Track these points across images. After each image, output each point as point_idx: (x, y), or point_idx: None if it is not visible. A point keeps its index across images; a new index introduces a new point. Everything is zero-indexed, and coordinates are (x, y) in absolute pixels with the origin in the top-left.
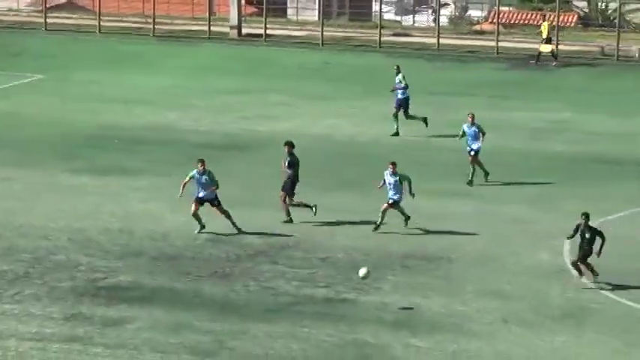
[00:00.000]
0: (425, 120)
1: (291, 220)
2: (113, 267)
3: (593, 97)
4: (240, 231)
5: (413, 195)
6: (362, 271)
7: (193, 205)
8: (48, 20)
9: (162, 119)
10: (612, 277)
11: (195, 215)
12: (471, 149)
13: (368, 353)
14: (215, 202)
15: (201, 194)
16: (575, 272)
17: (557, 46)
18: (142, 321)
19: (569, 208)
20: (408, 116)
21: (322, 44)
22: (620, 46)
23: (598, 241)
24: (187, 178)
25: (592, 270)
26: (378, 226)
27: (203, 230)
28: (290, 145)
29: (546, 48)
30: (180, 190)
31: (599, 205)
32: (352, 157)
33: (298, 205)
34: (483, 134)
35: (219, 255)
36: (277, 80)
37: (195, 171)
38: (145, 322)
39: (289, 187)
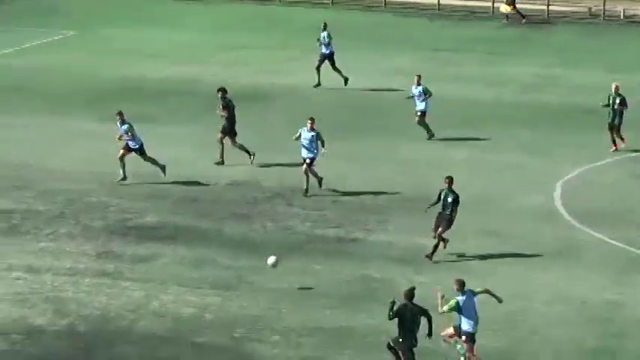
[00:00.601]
0: (346, 80)
1: (222, 162)
2: (141, 208)
3: (581, 53)
4: (163, 170)
5: (324, 152)
6: (271, 260)
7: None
8: None
9: (185, 72)
10: (601, 219)
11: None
12: (418, 110)
13: (375, 287)
14: (138, 151)
15: (130, 143)
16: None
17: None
18: (167, 257)
19: (560, 155)
20: (334, 68)
21: (332, 3)
22: (606, 6)
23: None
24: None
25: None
26: (307, 190)
27: (123, 181)
28: (223, 90)
29: (506, 8)
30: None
31: (588, 152)
32: (362, 108)
33: (240, 147)
34: (429, 95)
35: (239, 197)
36: (291, 37)
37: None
38: (170, 259)
39: (228, 128)
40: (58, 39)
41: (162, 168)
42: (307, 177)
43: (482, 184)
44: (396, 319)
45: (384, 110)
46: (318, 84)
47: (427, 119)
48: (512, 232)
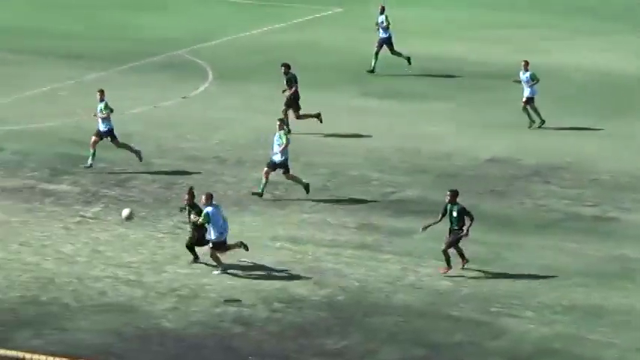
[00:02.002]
0: (408, 60)
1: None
2: (402, 182)
3: None
4: (139, 155)
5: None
6: (125, 212)
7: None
8: None
9: (447, 51)
10: None
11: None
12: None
13: (632, 268)
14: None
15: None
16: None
17: None
18: (426, 232)
19: None
20: (393, 53)
21: None
22: None
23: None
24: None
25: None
26: (306, 186)
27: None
28: (286, 66)
29: None
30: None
31: None
32: (623, 88)
33: (304, 116)
34: (536, 81)
35: (497, 174)
36: (555, 16)
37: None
38: (427, 233)
39: (292, 102)
40: (327, 15)
41: (138, 153)
42: None
43: None
44: None
45: None
46: (372, 70)
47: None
48: None
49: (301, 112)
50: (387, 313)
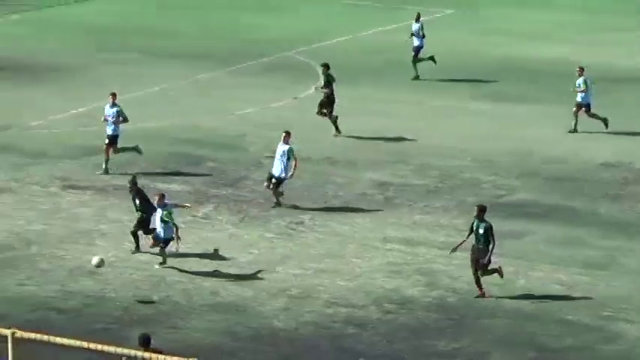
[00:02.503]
0: (432, 58)
1: (338, 131)
2: (512, 185)
3: None
4: (138, 150)
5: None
6: (94, 260)
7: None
8: None
9: (556, 53)
10: None
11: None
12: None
13: None
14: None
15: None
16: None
17: None
18: (537, 235)
19: None
20: (415, 61)
21: None
22: None
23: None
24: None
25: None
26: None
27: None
28: (326, 66)
29: None
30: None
31: None
32: None
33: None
34: (587, 87)
35: (610, 178)
36: None
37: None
38: (539, 236)
39: (327, 104)
40: (439, 17)
41: (136, 148)
42: None
43: None
44: None
45: None
46: (416, 77)
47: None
48: None
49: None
50: (498, 316)
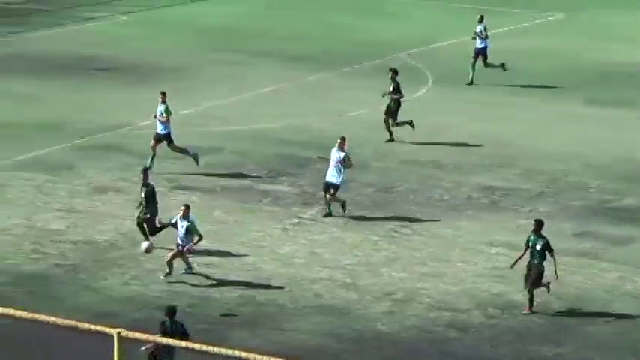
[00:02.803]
0: (503, 65)
1: (392, 139)
2: (621, 190)
3: None
4: (196, 159)
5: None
6: (144, 245)
7: None
8: None
9: None
10: None
11: None
12: None
13: None
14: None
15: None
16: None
17: None
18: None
19: None
20: (486, 65)
21: None
22: None
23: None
24: None
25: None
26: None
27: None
28: (394, 71)
29: None
30: None
31: None
32: None
33: (401, 124)
34: None
35: None
36: None
37: None
38: None
39: (394, 109)
40: (549, 20)
41: (195, 157)
42: None
43: None
44: None
45: None
46: (471, 82)
47: None
48: None
49: (399, 120)
50: (603, 322)
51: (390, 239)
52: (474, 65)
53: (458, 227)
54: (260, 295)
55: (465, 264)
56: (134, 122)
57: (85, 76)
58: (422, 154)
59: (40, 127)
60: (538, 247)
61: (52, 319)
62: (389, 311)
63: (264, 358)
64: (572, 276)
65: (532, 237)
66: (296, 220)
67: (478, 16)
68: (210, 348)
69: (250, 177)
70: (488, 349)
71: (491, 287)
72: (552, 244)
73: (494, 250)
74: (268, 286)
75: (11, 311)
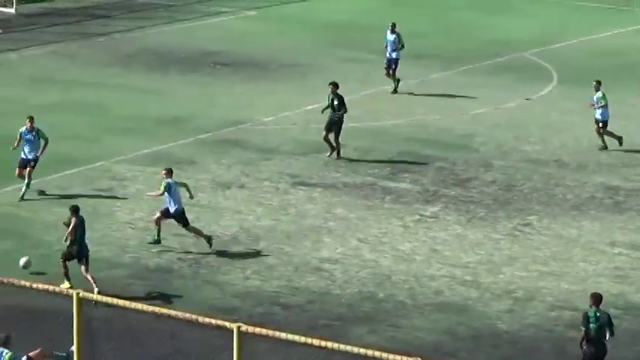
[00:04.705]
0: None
1: (333, 154)
2: None
3: None
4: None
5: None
6: (22, 261)
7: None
8: None
9: None
10: None
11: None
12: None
13: None
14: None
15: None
16: None
17: None
18: None
19: None
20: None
21: None
22: None
23: None
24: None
25: None
26: None
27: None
28: (334, 85)
29: None
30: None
31: None
32: None
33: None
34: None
35: None
36: None
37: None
38: None
39: (339, 125)
40: None
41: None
42: None
43: None
44: None
45: None
46: (395, 91)
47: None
48: None
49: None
50: None
51: (511, 238)
52: (391, 74)
53: (580, 227)
54: (380, 291)
55: (586, 264)
56: (258, 118)
57: (207, 71)
58: (545, 152)
59: (163, 122)
60: (599, 321)
61: (173, 313)
62: (509, 310)
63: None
64: None
65: (591, 312)
66: (417, 217)
67: (390, 25)
68: (330, 344)
69: (372, 174)
70: (608, 349)
71: (612, 287)
72: None
73: (616, 250)
74: (388, 283)
75: (133, 305)
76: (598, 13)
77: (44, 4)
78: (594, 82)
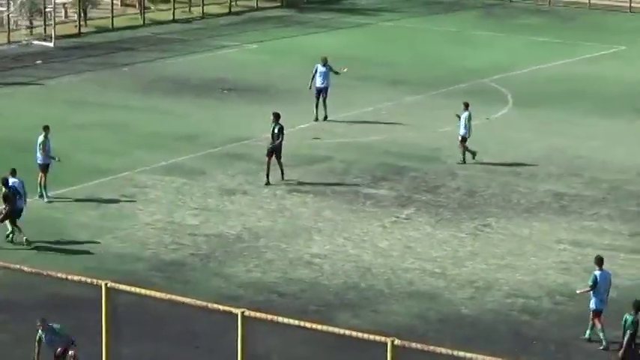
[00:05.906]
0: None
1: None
2: None
3: None
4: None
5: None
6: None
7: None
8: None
9: None
10: None
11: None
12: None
13: None
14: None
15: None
16: None
17: None
18: None
19: None
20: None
21: None
22: None
23: None
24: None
25: None
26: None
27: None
28: (276, 115)
29: None
30: None
31: None
32: None
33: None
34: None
35: None
36: None
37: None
38: None
39: (277, 152)
40: (612, 52)
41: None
42: None
43: None
44: None
45: None
46: (316, 119)
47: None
48: None
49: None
50: None
51: (473, 236)
52: (317, 105)
53: (531, 227)
54: (362, 282)
55: (536, 258)
56: (257, 134)
57: (216, 96)
58: (502, 164)
59: (178, 138)
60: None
61: (187, 300)
62: (471, 297)
63: (363, 335)
64: (628, 269)
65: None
66: (394, 219)
67: (321, 58)
68: (320, 326)
69: (355, 182)
70: (555, 331)
71: (558, 278)
72: (611, 242)
73: (561, 246)
74: (369, 275)
75: (152, 293)
76: (549, 47)
77: (78, 39)
78: (463, 104)
